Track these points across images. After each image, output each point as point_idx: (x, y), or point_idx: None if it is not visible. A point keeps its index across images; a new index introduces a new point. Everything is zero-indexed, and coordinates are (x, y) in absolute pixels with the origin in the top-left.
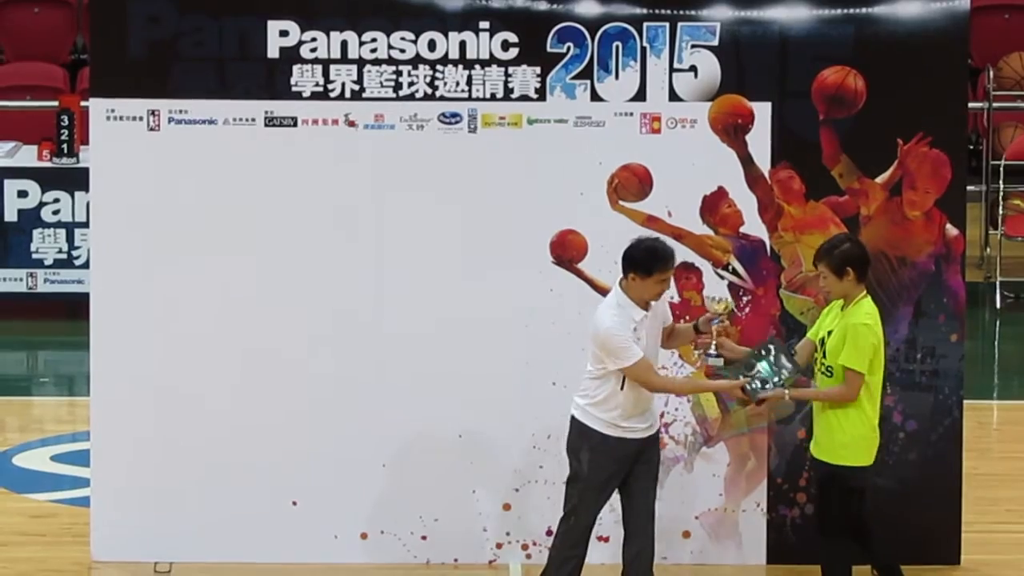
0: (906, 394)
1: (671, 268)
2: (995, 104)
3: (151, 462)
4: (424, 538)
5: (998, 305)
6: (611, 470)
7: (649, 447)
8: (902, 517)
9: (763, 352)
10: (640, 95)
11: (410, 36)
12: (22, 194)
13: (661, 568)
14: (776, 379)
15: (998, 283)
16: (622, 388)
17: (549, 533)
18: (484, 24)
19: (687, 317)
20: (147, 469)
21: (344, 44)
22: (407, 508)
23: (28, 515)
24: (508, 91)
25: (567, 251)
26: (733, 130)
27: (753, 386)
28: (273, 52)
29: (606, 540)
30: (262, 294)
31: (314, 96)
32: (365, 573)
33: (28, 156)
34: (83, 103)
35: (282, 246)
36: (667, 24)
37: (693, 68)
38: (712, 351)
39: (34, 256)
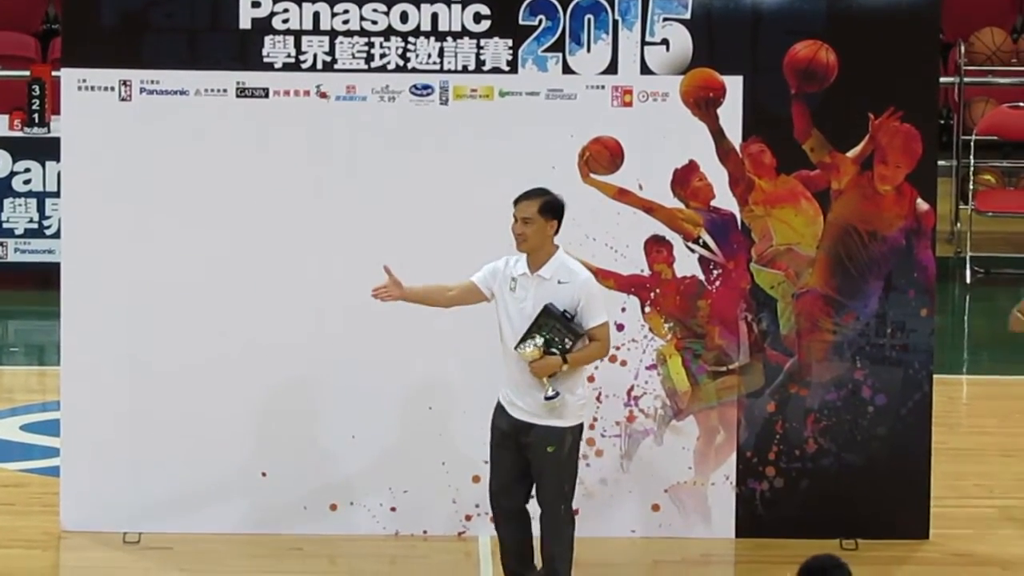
0: (876, 368)
1: (519, 203)
2: (966, 79)
3: (121, 432)
4: (393, 509)
5: (968, 280)
6: (492, 433)
7: (528, 443)
8: (871, 492)
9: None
10: (612, 68)
11: (382, 8)
12: None
13: (630, 541)
14: (540, 342)
15: (968, 258)
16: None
17: None
18: None
19: (658, 290)
20: (117, 440)
21: (316, 15)
22: (376, 480)
23: None
24: (480, 63)
25: None
26: (705, 103)
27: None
28: (245, 23)
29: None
30: (233, 265)
31: (286, 67)
32: (334, 544)
33: None
34: (54, 73)
35: (254, 218)
36: None
37: (665, 41)
38: (549, 393)
39: (5, 225)
